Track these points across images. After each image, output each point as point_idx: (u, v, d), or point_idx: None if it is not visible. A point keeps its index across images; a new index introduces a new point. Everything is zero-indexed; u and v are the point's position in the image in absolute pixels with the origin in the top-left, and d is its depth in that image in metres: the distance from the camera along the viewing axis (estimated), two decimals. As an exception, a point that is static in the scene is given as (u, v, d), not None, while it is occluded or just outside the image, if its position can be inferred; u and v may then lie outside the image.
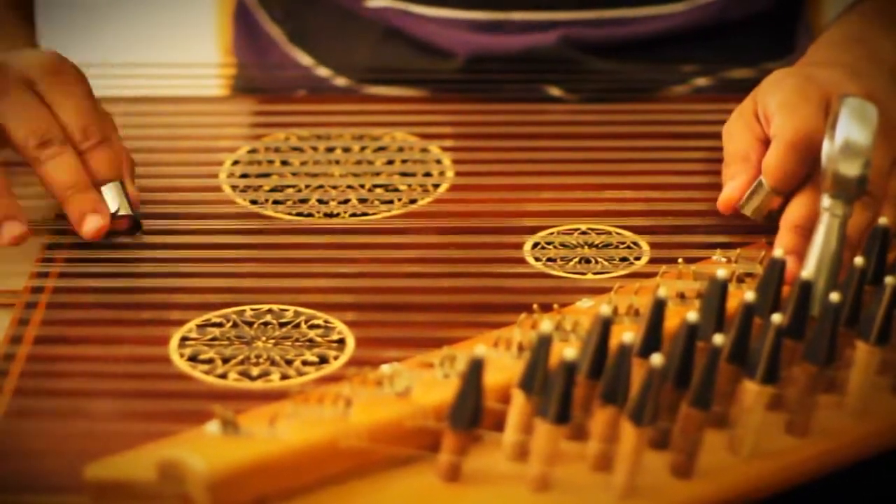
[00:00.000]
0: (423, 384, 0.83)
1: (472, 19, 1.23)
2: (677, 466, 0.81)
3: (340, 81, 1.27)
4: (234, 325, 0.91)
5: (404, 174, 1.08)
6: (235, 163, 1.09)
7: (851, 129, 0.89)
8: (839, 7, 1.15)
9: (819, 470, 0.84)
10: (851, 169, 0.89)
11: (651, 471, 0.80)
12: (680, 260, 0.94)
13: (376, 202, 1.04)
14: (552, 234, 1.01)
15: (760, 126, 0.99)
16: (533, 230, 1.01)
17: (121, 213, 0.99)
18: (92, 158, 0.98)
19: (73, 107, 0.98)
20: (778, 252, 0.88)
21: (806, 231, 0.92)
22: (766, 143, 0.99)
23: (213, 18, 1.48)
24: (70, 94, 0.99)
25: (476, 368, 0.78)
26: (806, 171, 0.95)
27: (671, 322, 0.83)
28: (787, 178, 0.96)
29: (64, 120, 0.98)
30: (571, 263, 0.98)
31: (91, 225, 0.97)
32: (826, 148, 0.89)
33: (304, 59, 1.30)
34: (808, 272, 0.85)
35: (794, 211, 0.95)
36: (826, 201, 0.90)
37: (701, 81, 1.25)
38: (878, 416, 0.86)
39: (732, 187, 0.99)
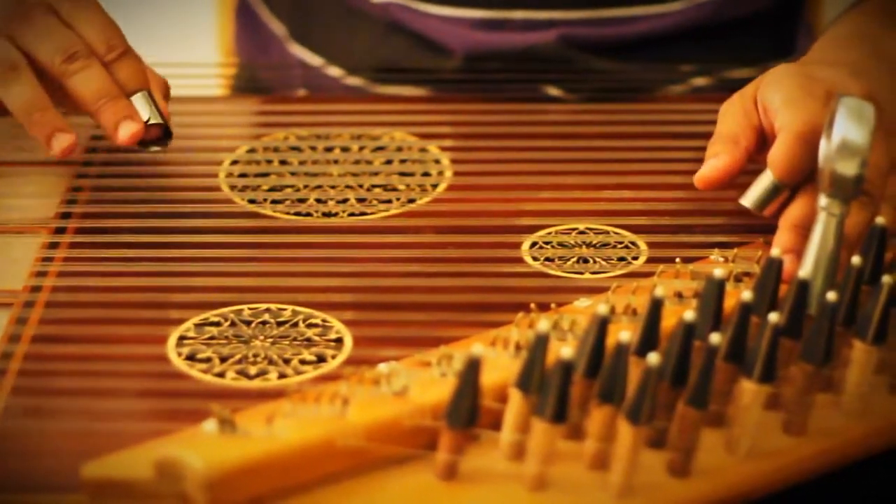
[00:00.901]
0: (420, 383, 0.83)
1: (474, 17, 1.24)
2: (674, 465, 0.81)
3: (340, 76, 1.27)
4: (232, 324, 0.92)
5: (403, 174, 1.08)
6: (234, 162, 1.09)
7: (848, 129, 0.89)
8: (839, 6, 1.15)
9: (816, 469, 0.84)
10: (848, 168, 0.89)
11: (648, 470, 0.80)
12: (677, 259, 0.94)
13: (375, 202, 1.05)
14: (550, 233, 1.01)
15: (758, 114, 0.99)
16: (531, 230, 1.01)
17: (151, 121, 1.00)
18: (119, 69, 1.01)
19: (95, 23, 1.01)
20: (776, 251, 0.88)
21: (805, 230, 0.92)
22: (759, 131, 0.98)
23: (213, 15, 1.48)
24: (91, 12, 1.01)
25: (473, 367, 0.78)
26: (811, 165, 0.95)
27: (668, 321, 0.83)
28: (794, 171, 0.95)
29: (88, 36, 1.00)
30: (569, 263, 0.98)
31: (126, 130, 0.99)
32: (823, 147, 0.89)
33: (306, 56, 1.30)
34: (805, 271, 0.85)
35: (794, 210, 0.95)
36: (823, 200, 0.90)
37: (700, 81, 1.25)
38: (876, 415, 0.86)
39: (713, 165, 0.97)
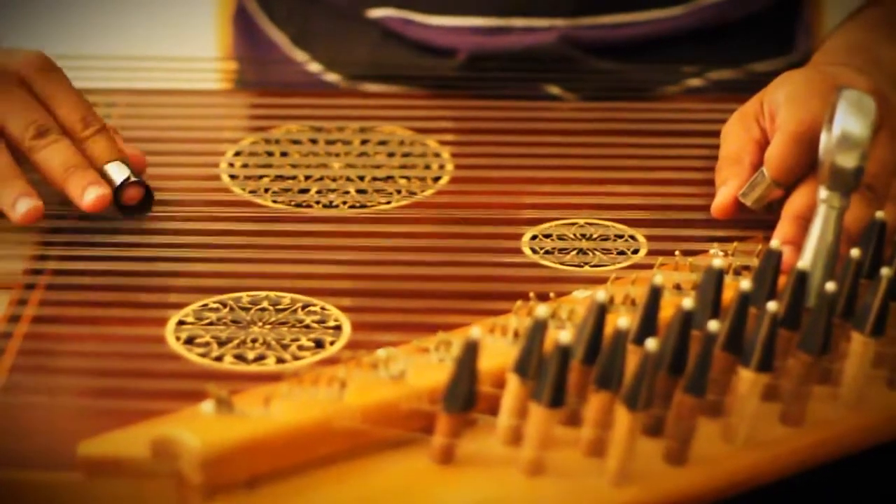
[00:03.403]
0: (418, 368, 0.84)
1: (474, 25, 1.24)
2: (671, 453, 0.81)
3: (340, 81, 1.28)
4: (231, 309, 0.92)
5: (404, 168, 1.08)
6: (237, 154, 1.10)
7: (849, 121, 0.89)
8: (839, 8, 1.16)
9: (812, 460, 0.84)
10: (848, 161, 0.89)
11: (645, 457, 0.81)
12: (677, 253, 0.94)
13: (375, 195, 1.05)
14: (550, 226, 1.01)
15: (759, 127, 1.00)
16: (531, 223, 1.01)
17: (131, 179, 0.99)
18: (95, 144, 0.99)
19: (69, 100, 1.00)
20: (776, 241, 0.88)
21: (806, 222, 0.92)
22: (762, 144, 0.99)
23: (212, 22, 1.49)
24: (65, 89, 1.00)
25: (471, 351, 0.78)
26: (808, 164, 0.95)
27: (667, 313, 0.83)
28: (788, 171, 0.96)
29: (62, 113, 0.99)
30: (569, 256, 0.98)
31: (91, 194, 0.97)
32: (823, 140, 0.90)
33: (306, 61, 1.30)
34: (804, 263, 0.85)
35: (796, 201, 0.95)
36: (823, 193, 0.90)
37: (699, 82, 1.25)
38: (873, 408, 0.86)
39: (725, 193, 0.99)
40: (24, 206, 0.96)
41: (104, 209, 0.98)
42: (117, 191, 0.99)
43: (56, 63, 1.02)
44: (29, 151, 0.98)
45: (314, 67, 1.29)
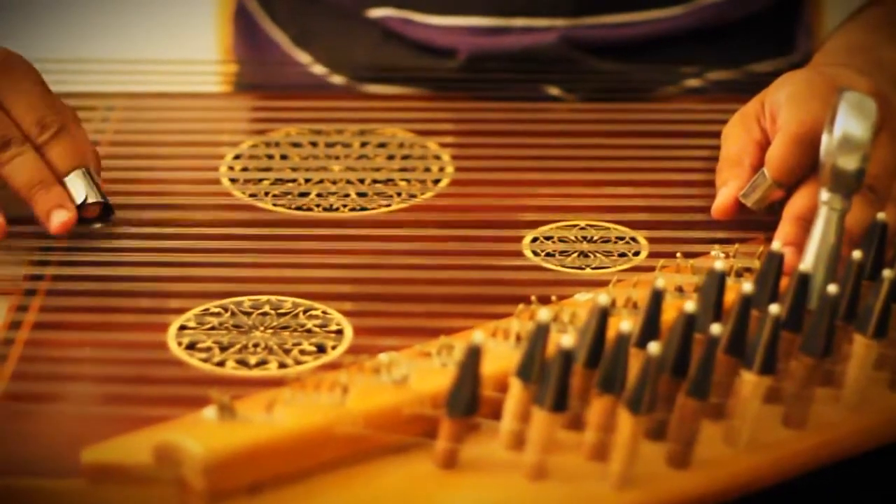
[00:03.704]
0: (420, 373, 0.84)
1: (474, 25, 1.24)
2: (674, 456, 0.81)
3: (341, 81, 1.28)
4: (233, 314, 0.92)
5: (404, 170, 1.08)
6: (236, 157, 1.10)
7: (850, 123, 0.89)
8: (839, 8, 1.16)
9: (815, 463, 0.84)
10: (849, 163, 0.89)
11: (647, 460, 0.80)
12: (678, 255, 0.94)
13: (375, 197, 1.05)
14: (551, 229, 1.01)
15: (760, 128, 1.00)
16: (532, 225, 1.01)
17: (89, 200, 0.98)
18: (52, 150, 0.98)
19: (25, 102, 0.98)
20: (777, 243, 0.88)
21: (807, 223, 0.92)
22: (762, 145, 0.99)
23: (211, 22, 1.49)
24: (21, 90, 0.98)
25: (473, 355, 0.78)
26: (809, 165, 0.95)
27: (669, 315, 0.83)
28: (789, 171, 0.96)
29: (18, 117, 0.98)
30: (570, 258, 0.98)
31: (57, 219, 0.97)
32: (825, 142, 0.90)
33: (307, 61, 1.30)
34: (805, 265, 0.85)
35: (797, 202, 0.95)
36: (824, 195, 0.90)
37: (699, 82, 1.25)
38: (875, 410, 0.86)
39: (725, 195, 0.99)
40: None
41: (71, 229, 0.97)
42: (78, 207, 0.98)
43: (16, 58, 0.99)
44: None
45: (318, 70, 1.29)
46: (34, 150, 0.98)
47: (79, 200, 0.98)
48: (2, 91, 0.98)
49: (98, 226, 1.00)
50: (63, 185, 0.98)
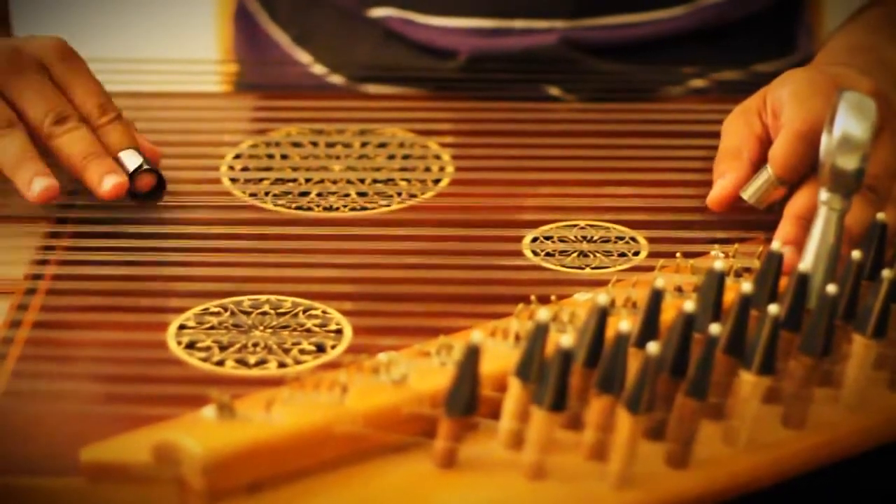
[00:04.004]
0: (419, 372, 0.84)
1: (474, 27, 1.24)
2: (673, 456, 0.81)
3: (341, 82, 1.28)
4: (232, 314, 0.92)
5: (404, 170, 1.08)
6: (237, 157, 1.10)
7: (849, 123, 0.89)
8: (839, 8, 1.16)
9: (814, 462, 0.84)
10: (849, 163, 0.89)
11: (646, 460, 0.81)
12: (678, 255, 0.94)
13: (376, 197, 1.05)
14: (551, 229, 1.01)
15: (761, 122, 0.99)
16: (532, 225, 1.01)
17: (145, 167, 1.01)
18: (111, 132, 1.01)
19: (87, 87, 1.02)
20: (777, 242, 0.88)
21: (807, 222, 0.92)
22: (762, 140, 0.99)
23: (212, 21, 1.49)
24: (84, 77, 1.03)
25: (472, 355, 0.78)
26: (812, 163, 0.95)
27: (668, 315, 0.83)
28: (793, 168, 0.96)
29: (80, 100, 1.02)
30: (570, 258, 0.98)
31: (109, 182, 0.99)
32: (824, 142, 0.90)
33: (307, 61, 1.30)
34: (805, 265, 0.85)
35: (798, 201, 0.95)
36: (824, 195, 0.90)
37: (700, 82, 1.25)
38: (874, 410, 0.86)
39: (722, 186, 0.99)
40: (39, 184, 0.98)
41: (122, 195, 0.99)
42: (130, 178, 1.00)
43: (74, 50, 1.03)
44: (48, 138, 1.00)
45: (318, 70, 1.29)
46: (89, 130, 1.00)
47: (132, 168, 1.00)
48: (66, 74, 1.02)
49: (150, 200, 1.02)
50: (116, 160, 1.00)
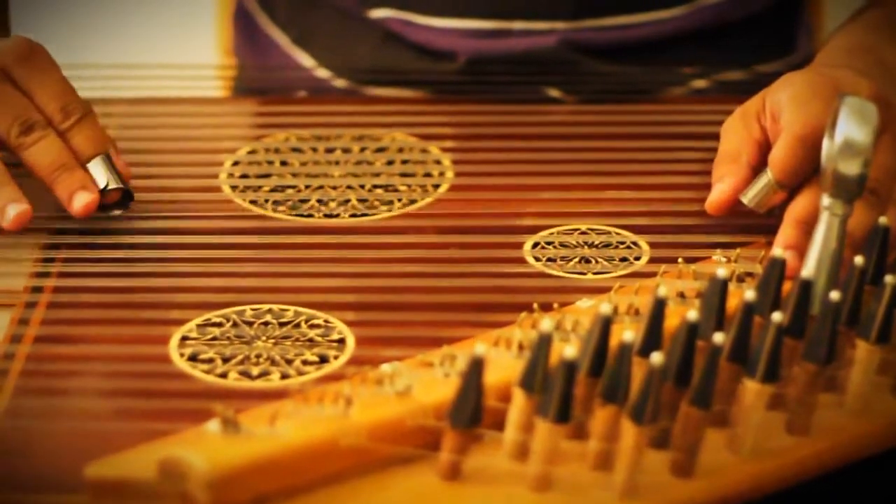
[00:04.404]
0: (423, 383, 0.83)
1: (474, 28, 1.24)
2: (678, 465, 0.81)
3: (341, 83, 1.28)
4: (234, 324, 0.91)
5: (404, 175, 1.08)
6: (235, 163, 1.09)
7: (851, 128, 0.89)
8: (839, 8, 1.15)
9: (819, 469, 0.84)
10: (851, 168, 0.89)
11: (651, 470, 0.80)
12: (680, 260, 0.94)
13: (376, 203, 1.04)
14: (552, 234, 1.01)
15: (760, 126, 0.99)
16: (533, 230, 1.01)
17: (111, 186, 0.99)
18: (76, 136, 1.00)
19: (49, 89, 1.00)
20: (778, 247, 0.88)
21: (808, 227, 0.92)
22: (761, 143, 0.99)
23: (212, 22, 1.48)
24: (46, 78, 1.00)
25: (476, 367, 0.78)
26: (812, 167, 0.95)
27: (671, 321, 0.83)
28: (793, 172, 0.96)
29: (42, 103, 1.00)
30: (571, 263, 0.98)
31: (80, 201, 0.98)
32: (826, 147, 0.89)
33: (307, 61, 1.30)
34: (808, 271, 0.85)
35: (799, 205, 0.95)
36: (826, 200, 0.90)
37: (700, 83, 1.25)
38: (879, 415, 0.86)
39: (720, 189, 0.99)
40: (13, 211, 0.97)
41: (93, 211, 0.99)
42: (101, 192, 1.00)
43: (39, 48, 1.01)
44: (16, 149, 0.99)
45: (318, 72, 1.29)
46: (57, 136, 0.99)
47: (101, 186, 0.99)
48: (26, 77, 1.00)
49: (118, 212, 1.01)
50: (85, 170, 0.99)
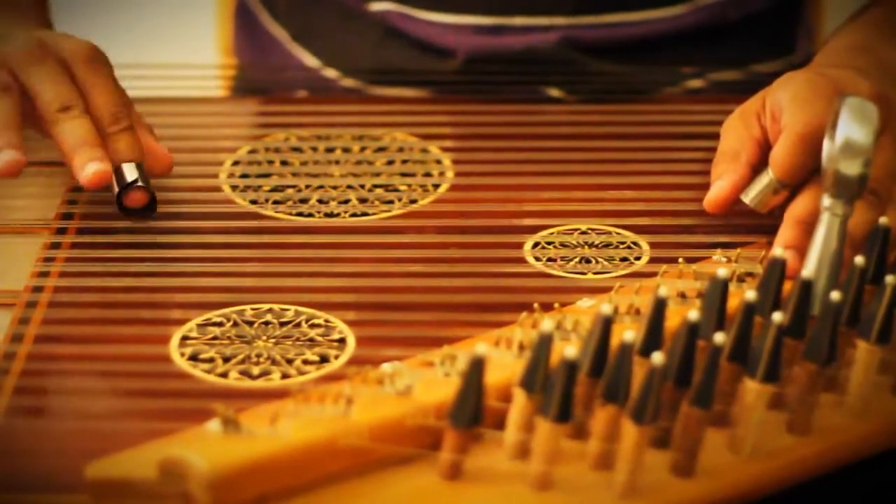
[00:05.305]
0: (423, 383, 0.83)
1: (473, 24, 1.24)
2: (678, 465, 0.81)
3: (342, 80, 1.28)
4: (235, 324, 0.91)
5: (404, 174, 1.08)
6: (236, 163, 1.09)
7: (852, 129, 0.89)
8: (839, 9, 1.15)
9: (820, 469, 0.84)
10: (852, 168, 0.89)
11: (652, 470, 0.80)
12: (680, 259, 0.94)
13: (376, 202, 1.05)
14: (552, 233, 1.01)
15: (759, 125, 0.99)
16: (533, 230, 1.01)
17: (139, 183, 0.99)
18: (118, 140, 1.00)
19: (105, 92, 1.01)
20: (779, 247, 0.88)
21: (808, 226, 0.92)
22: (760, 143, 0.99)
23: (212, 18, 1.48)
24: (104, 81, 1.02)
25: (477, 367, 0.78)
26: (813, 166, 0.95)
27: (672, 321, 0.83)
28: (794, 171, 0.96)
29: (96, 103, 1.01)
30: (572, 263, 0.98)
31: (90, 169, 0.98)
32: (826, 147, 0.89)
33: (307, 58, 1.30)
34: (808, 271, 0.85)
35: (799, 205, 0.95)
36: (826, 200, 0.90)
37: (699, 82, 1.25)
38: (879, 415, 0.86)
39: (719, 187, 0.99)
40: (6, 156, 0.97)
41: (103, 184, 0.98)
42: (122, 191, 0.99)
43: (101, 52, 1.03)
44: (50, 124, 0.99)
45: (315, 64, 1.29)
46: (91, 122, 1.00)
47: (129, 180, 0.99)
48: (85, 78, 1.01)
49: (138, 217, 1.01)
50: (118, 171, 1.00)
